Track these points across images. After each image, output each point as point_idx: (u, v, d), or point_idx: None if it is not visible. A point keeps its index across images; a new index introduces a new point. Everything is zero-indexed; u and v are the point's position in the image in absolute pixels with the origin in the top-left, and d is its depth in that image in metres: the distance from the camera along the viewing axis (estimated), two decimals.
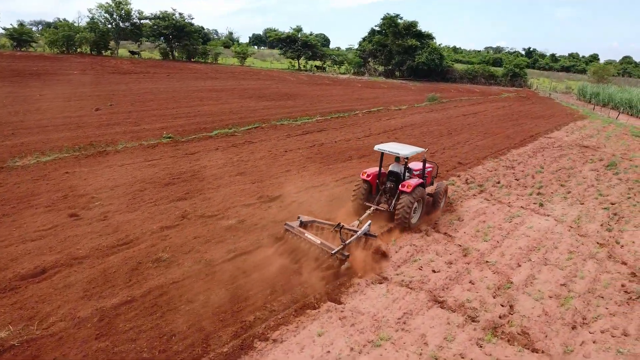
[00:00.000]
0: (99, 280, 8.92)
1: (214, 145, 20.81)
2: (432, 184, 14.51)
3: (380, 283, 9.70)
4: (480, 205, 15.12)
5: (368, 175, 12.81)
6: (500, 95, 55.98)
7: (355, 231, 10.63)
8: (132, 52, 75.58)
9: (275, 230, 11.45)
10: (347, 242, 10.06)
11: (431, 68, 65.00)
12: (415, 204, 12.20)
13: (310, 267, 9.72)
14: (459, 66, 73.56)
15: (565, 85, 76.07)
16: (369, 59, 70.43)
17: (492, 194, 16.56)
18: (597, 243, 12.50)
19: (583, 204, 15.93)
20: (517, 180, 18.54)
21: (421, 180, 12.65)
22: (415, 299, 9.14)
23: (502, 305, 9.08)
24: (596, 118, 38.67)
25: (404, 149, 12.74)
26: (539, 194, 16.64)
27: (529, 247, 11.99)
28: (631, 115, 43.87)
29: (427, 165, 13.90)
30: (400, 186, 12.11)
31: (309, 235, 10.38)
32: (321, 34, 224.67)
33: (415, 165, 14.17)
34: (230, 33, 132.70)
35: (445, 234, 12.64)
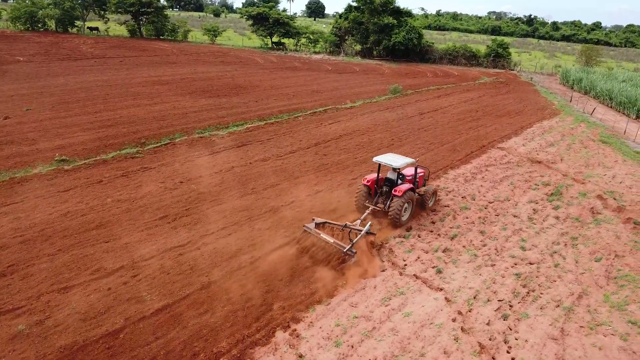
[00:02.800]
0: None
1: (98, 175, 18.28)
2: (424, 185, 17.02)
3: None
4: (365, 274, 12.72)
5: (368, 181, 15.51)
6: (477, 80, 52.47)
7: (360, 230, 13.11)
8: (91, 28, 71.65)
9: None
10: (354, 240, 12.63)
11: (409, 48, 60.98)
12: (406, 205, 14.96)
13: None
14: (439, 46, 69.22)
15: (554, 64, 72.05)
16: (347, 37, 66.24)
17: (392, 250, 14.14)
18: (479, 346, 10.17)
19: (494, 265, 13.54)
20: (433, 223, 16.08)
21: (411, 186, 15.30)
22: None
23: None
24: (569, 114, 35.63)
25: (397, 161, 15.08)
26: (445, 250, 14.20)
27: (387, 357, 9.68)
28: (610, 107, 40.69)
29: (419, 170, 16.42)
30: (393, 191, 14.81)
31: (323, 235, 12.99)
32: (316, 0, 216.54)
33: (410, 171, 16.32)
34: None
35: (293, 331, 10.31)
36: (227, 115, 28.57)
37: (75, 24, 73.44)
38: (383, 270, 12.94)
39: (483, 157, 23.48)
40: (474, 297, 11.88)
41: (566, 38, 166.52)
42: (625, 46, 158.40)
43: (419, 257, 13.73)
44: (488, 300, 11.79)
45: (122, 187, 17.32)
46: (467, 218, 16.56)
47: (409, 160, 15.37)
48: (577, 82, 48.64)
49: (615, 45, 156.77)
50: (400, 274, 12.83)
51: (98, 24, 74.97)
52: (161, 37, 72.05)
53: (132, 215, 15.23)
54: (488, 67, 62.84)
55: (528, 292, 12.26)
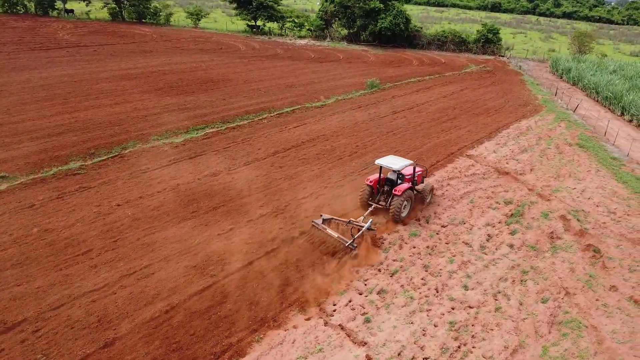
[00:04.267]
0: None
1: (31, 198, 17.29)
2: (422, 182, 18.54)
3: None
4: (289, 324, 11.89)
5: (371, 181, 17.04)
6: (464, 69, 50.71)
7: (361, 226, 14.65)
8: (67, 11, 69.42)
9: None
10: (356, 236, 14.32)
11: (396, 33, 58.79)
12: (405, 202, 16.53)
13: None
14: (430, 30, 66.84)
15: (548, 47, 69.84)
16: (333, 21, 63.91)
17: (327, 290, 13.28)
18: None
19: (430, 310, 12.69)
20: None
21: (410, 185, 16.92)
22: None
23: None
24: (551, 111, 34.26)
25: (397, 164, 16.49)
26: (380, 292, 13.33)
27: None
28: (597, 101, 39.20)
29: (417, 169, 17.96)
30: (393, 190, 16.41)
31: (329, 230, 14.52)
32: None
33: (409, 170, 17.52)
34: None
35: None
36: (189, 118, 27.37)
37: (56, 6, 71.08)
38: (308, 319, 12.10)
39: (448, 168, 22.40)
40: (398, 354, 11.07)
41: (567, 15, 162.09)
42: (627, 24, 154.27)
43: (351, 300, 12.88)
44: (412, 359, 10.97)
45: (54, 213, 16.38)
46: (414, 248, 15.64)
47: (407, 162, 16.87)
48: (566, 72, 46.94)
49: (617, 23, 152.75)
50: (326, 323, 11.99)
51: (76, 5, 72.58)
52: (143, 20, 69.78)
53: (54, 249, 14.34)
54: (477, 53, 60.75)
55: (459, 346, 11.44)
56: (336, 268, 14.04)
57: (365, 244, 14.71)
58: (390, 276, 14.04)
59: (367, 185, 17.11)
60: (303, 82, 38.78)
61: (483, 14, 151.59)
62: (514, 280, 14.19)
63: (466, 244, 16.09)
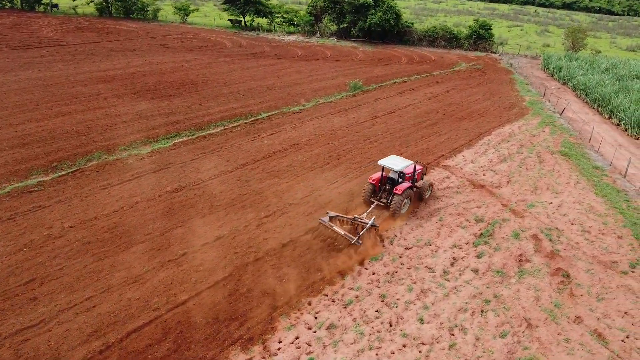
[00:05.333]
0: None
1: None
2: (422, 179, 19.74)
3: None
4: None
5: (373, 180, 18.42)
6: (453, 67, 49.72)
7: (366, 223, 15.75)
8: (53, 6, 68.25)
9: None
10: (361, 233, 15.38)
11: (386, 29, 57.62)
12: (405, 200, 17.88)
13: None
14: (422, 24, 65.55)
15: (543, 42, 68.63)
16: (323, 16, 62.68)
17: (274, 326, 12.67)
18: None
19: (380, 348, 12.08)
20: (333, 283, 14.53)
21: (409, 184, 18.19)
22: None
23: None
24: (537, 114, 33.43)
25: (398, 165, 17.92)
26: (330, 327, 12.70)
27: None
28: (586, 102, 38.31)
29: (417, 167, 19.04)
30: (394, 189, 17.79)
31: (336, 227, 15.41)
32: None
33: (409, 169, 18.54)
34: None
35: None
36: (160, 125, 26.63)
37: (42, 1, 69.84)
38: None
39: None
40: None
41: (567, 6, 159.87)
42: (628, 14, 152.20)
43: (298, 337, 12.28)
44: None
45: (2, 237, 15.73)
46: (373, 274, 15.01)
47: (408, 162, 18.37)
48: (556, 70, 45.95)
49: (617, 14, 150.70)
50: None
51: (63, 0, 71.34)
52: (131, 16, 68.60)
53: None
54: (469, 49, 59.58)
55: None
56: (286, 300, 13.45)
57: (370, 238, 16.05)
58: (344, 307, 13.43)
59: (370, 183, 18.37)
60: (285, 83, 37.92)
61: (482, 5, 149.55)
62: (473, 312, 13.58)
63: (429, 269, 15.46)
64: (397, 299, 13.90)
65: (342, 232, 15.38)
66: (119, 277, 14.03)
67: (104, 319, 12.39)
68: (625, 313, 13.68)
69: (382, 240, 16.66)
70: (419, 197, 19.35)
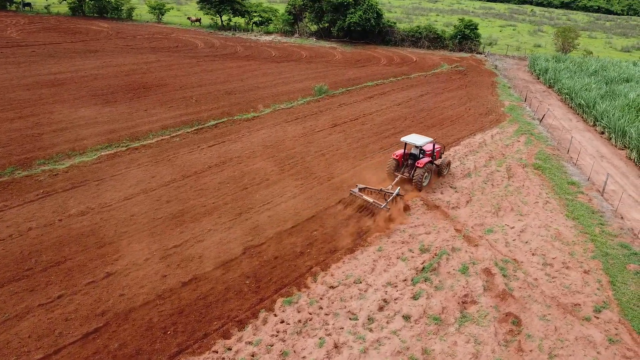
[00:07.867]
0: None
1: None
2: (440, 157, 21.21)
3: None
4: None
5: (396, 156, 19.89)
6: (434, 69, 47.12)
7: (391, 193, 17.79)
8: (25, 4, 65.84)
9: None
10: (389, 200, 17.53)
11: (366, 29, 55.02)
12: (426, 173, 19.51)
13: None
14: (401, 26, 62.87)
15: (535, 42, 65.97)
16: (303, 16, 60.08)
17: None
18: None
19: None
20: (232, 329, 12.00)
21: (430, 159, 19.85)
22: None
23: None
24: (515, 121, 30.84)
25: (419, 140, 19.46)
26: None
27: None
28: (571, 107, 35.71)
29: (436, 146, 20.74)
30: (416, 163, 19.37)
31: (365, 197, 17.70)
32: None
33: (429, 146, 20.12)
34: None
35: None
36: (94, 135, 24.15)
37: (14, 0, 67.44)
38: None
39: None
40: None
41: (565, 5, 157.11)
42: (627, 14, 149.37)
43: None
44: None
45: None
46: (281, 323, 12.48)
47: (428, 139, 19.79)
48: (542, 72, 43.33)
49: (616, 13, 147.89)
50: None
51: None
52: (105, 15, 66.13)
53: None
54: (454, 50, 56.95)
55: None
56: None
57: (396, 207, 17.66)
58: None
59: (394, 159, 19.87)
60: (247, 87, 35.40)
61: (478, 4, 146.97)
62: None
63: (351, 314, 12.93)
64: (302, 358, 11.36)
65: (371, 200, 17.42)
66: None
67: None
68: None
69: (408, 209, 18.33)
70: (439, 173, 20.85)
